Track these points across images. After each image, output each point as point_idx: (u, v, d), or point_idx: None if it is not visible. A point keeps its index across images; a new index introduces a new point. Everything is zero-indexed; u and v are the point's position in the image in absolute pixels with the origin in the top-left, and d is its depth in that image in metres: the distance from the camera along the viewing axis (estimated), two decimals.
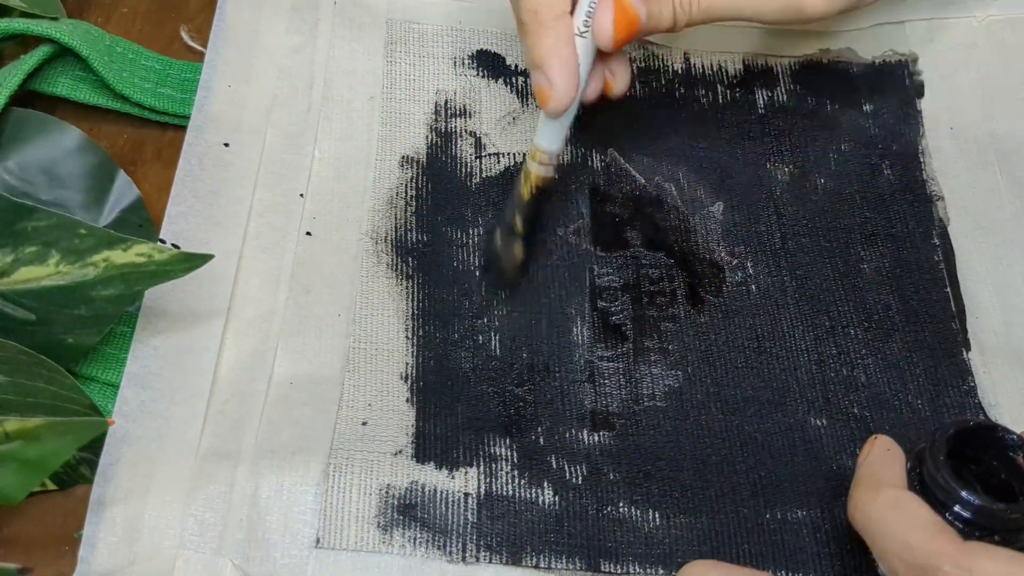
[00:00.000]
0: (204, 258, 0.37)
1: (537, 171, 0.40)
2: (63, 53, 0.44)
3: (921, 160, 0.46)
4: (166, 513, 0.35)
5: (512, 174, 0.44)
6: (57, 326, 0.37)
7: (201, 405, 0.37)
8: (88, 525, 0.35)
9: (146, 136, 0.45)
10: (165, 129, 0.45)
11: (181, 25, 0.48)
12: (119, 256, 0.37)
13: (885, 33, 0.49)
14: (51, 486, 0.37)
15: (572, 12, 0.38)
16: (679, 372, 0.40)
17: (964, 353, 0.41)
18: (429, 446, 0.38)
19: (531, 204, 0.41)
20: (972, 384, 0.40)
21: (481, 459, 0.37)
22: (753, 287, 0.42)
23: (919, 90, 0.48)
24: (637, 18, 0.38)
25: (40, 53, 0.44)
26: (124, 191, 0.43)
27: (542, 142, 0.39)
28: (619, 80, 0.40)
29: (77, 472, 0.37)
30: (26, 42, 0.45)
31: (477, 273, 0.42)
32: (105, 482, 0.35)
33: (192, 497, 0.35)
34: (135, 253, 0.37)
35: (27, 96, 0.43)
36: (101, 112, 0.45)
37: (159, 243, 0.39)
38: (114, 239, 0.37)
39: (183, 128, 0.44)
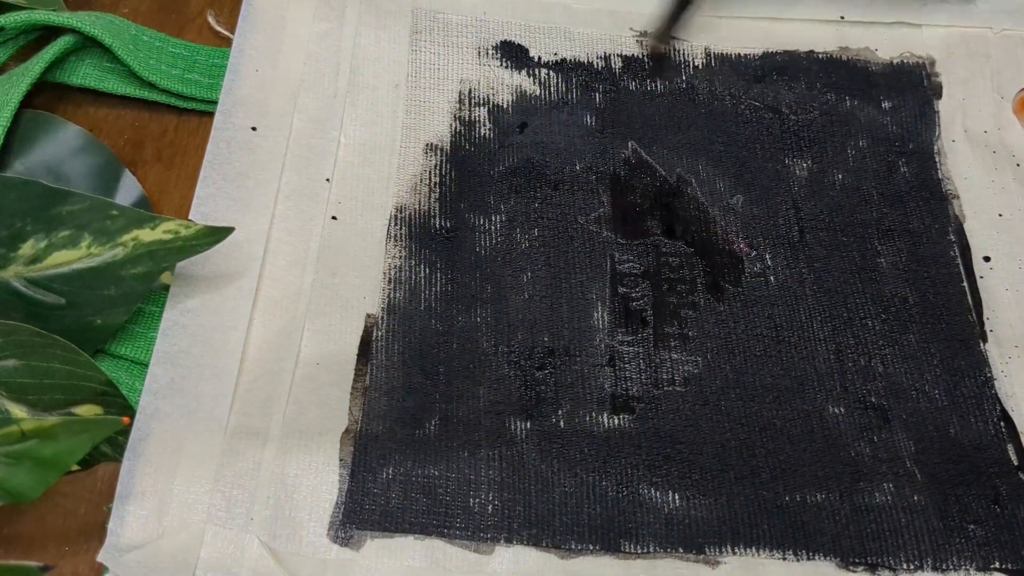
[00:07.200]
0: (227, 231, 0.37)
1: None
2: (84, 45, 0.45)
3: (936, 159, 0.47)
4: (195, 488, 0.35)
5: (533, 164, 0.45)
6: (87, 308, 0.37)
7: (230, 383, 0.38)
8: (117, 499, 0.35)
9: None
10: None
11: (207, 10, 0.48)
12: (147, 234, 0.37)
13: (903, 36, 0.50)
14: (75, 467, 0.37)
15: None
16: (699, 358, 0.40)
17: (981, 345, 0.42)
18: (452, 429, 0.38)
19: None
20: (989, 375, 0.41)
21: (502, 442, 0.38)
22: (772, 278, 0.43)
23: (937, 91, 0.48)
24: None
25: (62, 43, 0.44)
26: (129, 190, 0.43)
27: None
28: None
29: (98, 450, 0.37)
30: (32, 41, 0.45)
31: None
32: (135, 456, 0.35)
33: (220, 473, 0.36)
34: (163, 231, 0.37)
35: (35, 91, 0.43)
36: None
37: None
38: (144, 218, 0.37)
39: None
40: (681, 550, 0.36)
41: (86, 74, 0.45)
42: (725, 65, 0.48)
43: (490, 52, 0.47)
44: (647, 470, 0.38)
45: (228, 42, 0.46)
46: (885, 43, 0.49)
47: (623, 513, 0.37)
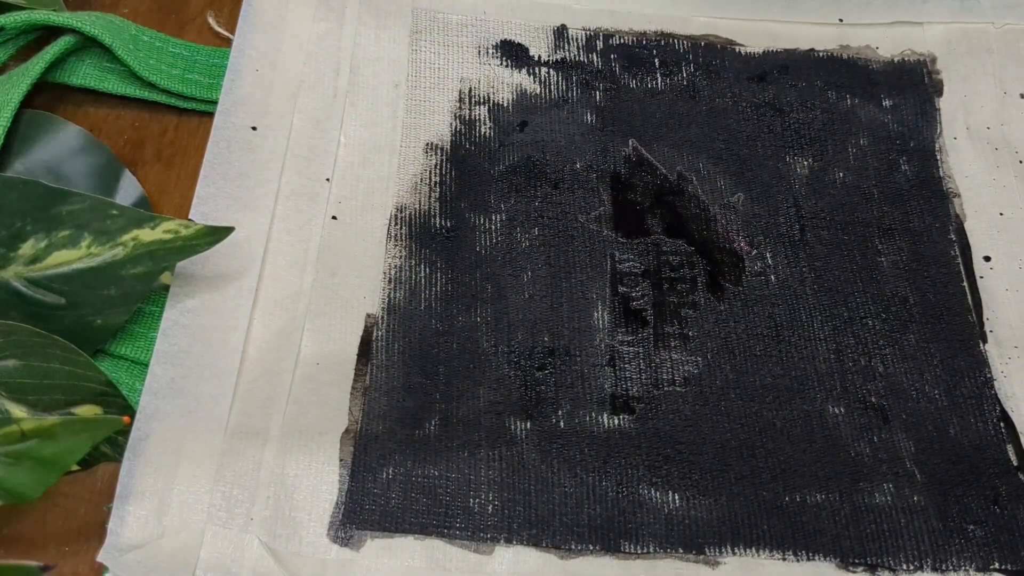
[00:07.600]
0: (227, 230, 0.37)
1: None
2: (84, 45, 0.45)
3: (938, 157, 0.47)
4: (195, 488, 0.35)
5: (533, 162, 0.45)
6: (87, 308, 0.37)
7: (230, 383, 0.38)
8: (117, 499, 0.35)
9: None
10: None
11: (207, 10, 0.48)
12: (147, 234, 0.37)
13: (903, 33, 0.50)
14: (75, 467, 0.37)
15: None
16: (699, 358, 0.40)
17: (981, 345, 0.42)
18: (452, 429, 0.38)
19: None
20: (989, 375, 0.41)
21: (502, 442, 0.38)
22: (772, 277, 0.43)
23: (938, 88, 0.48)
24: None
25: (62, 43, 0.44)
26: (129, 191, 0.43)
27: None
28: None
29: (98, 450, 0.37)
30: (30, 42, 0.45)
31: None
32: (135, 456, 0.35)
33: (220, 473, 0.36)
34: (163, 230, 0.37)
35: (35, 91, 0.44)
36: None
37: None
38: (144, 218, 0.37)
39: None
40: (681, 550, 0.36)
41: (86, 74, 0.45)
42: (725, 63, 0.48)
43: (490, 51, 0.47)
44: (647, 470, 0.38)
45: (228, 42, 0.46)
46: (886, 41, 0.49)
47: (623, 513, 0.37)
